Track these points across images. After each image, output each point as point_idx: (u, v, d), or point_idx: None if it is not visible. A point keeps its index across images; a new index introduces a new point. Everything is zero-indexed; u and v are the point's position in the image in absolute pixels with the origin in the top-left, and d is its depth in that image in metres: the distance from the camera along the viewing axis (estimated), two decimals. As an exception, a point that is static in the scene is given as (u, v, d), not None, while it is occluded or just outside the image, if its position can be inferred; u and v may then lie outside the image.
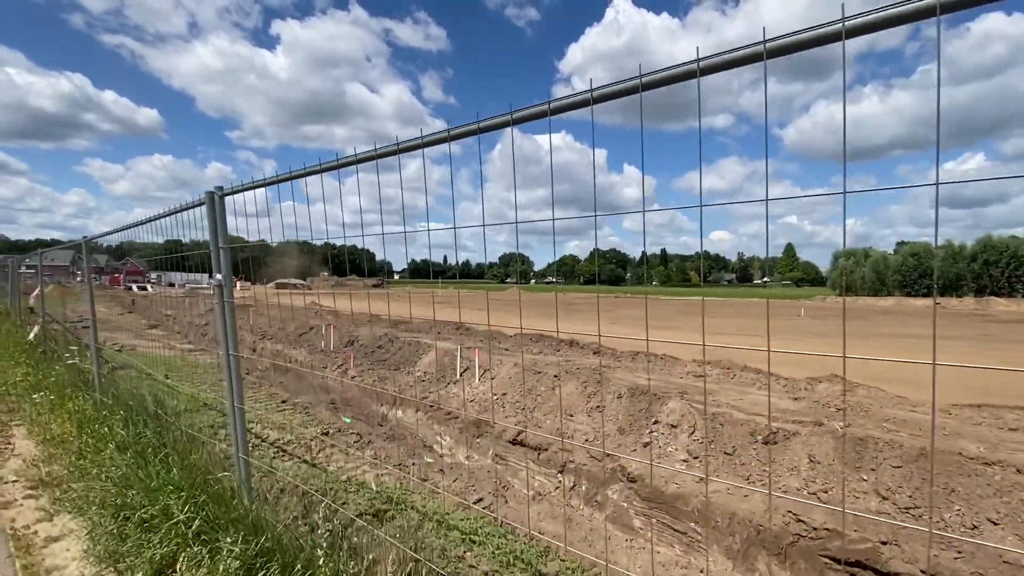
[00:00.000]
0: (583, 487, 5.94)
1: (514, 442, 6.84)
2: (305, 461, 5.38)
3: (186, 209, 3.76)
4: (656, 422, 6.12)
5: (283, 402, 8.65)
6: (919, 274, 58.69)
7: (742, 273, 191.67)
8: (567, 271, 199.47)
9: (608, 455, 5.85)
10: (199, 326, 21.81)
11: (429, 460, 7.14)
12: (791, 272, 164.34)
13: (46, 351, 8.53)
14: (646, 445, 5.88)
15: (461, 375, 9.26)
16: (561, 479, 6.17)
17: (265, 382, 10.51)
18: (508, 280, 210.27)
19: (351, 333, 14.44)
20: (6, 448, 5.62)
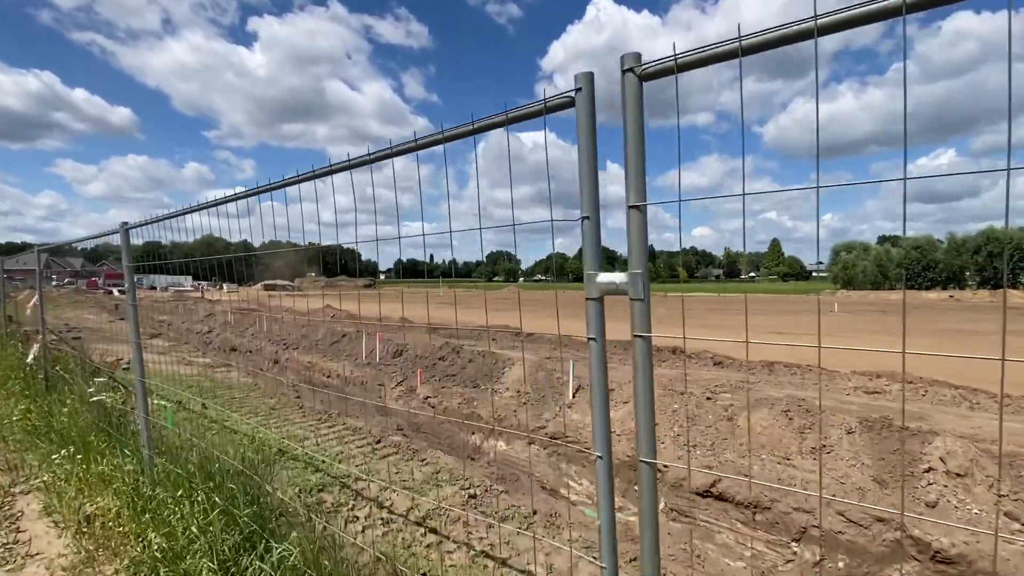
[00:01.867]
0: (840, 564, 4.27)
1: (706, 494, 5.14)
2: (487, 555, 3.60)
3: (106, 235, 4.46)
4: (929, 469, 4.48)
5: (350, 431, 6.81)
6: (922, 267, 58.53)
7: (729, 268, 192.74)
8: (556, 268, 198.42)
9: (881, 519, 4.19)
10: (200, 333, 19.71)
11: (590, 513, 5.41)
12: (777, 267, 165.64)
13: (50, 378, 6.55)
14: (932, 506, 4.24)
15: (575, 395, 7.52)
16: (797, 550, 4.50)
17: (301, 401, 8.63)
18: (496, 279, 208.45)
19: (392, 341, 12.58)
20: (14, 543, 3.72)
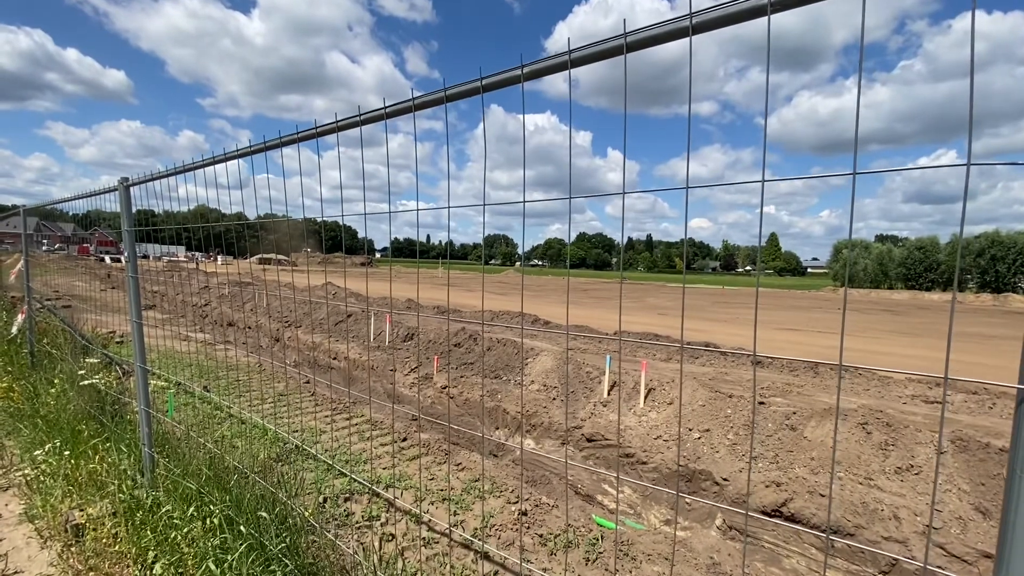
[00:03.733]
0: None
1: (775, 513, 4.61)
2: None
3: (101, 193, 3.99)
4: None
5: (371, 424, 6.22)
6: (924, 267, 58.31)
7: (726, 261, 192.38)
8: (553, 254, 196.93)
9: (990, 555, 3.65)
10: (197, 306, 19.02)
11: (639, 525, 4.87)
12: (774, 261, 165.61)
13: (35, 354, 5.88)
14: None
15: (610, 392, 6.96)
16: (886, 584, 3.97)
17: (311, 387, 8.03)
18: (492, 262, 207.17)
19: (401, 323, 11.97)
20: (-10, 556, 3.11)
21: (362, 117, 1.98)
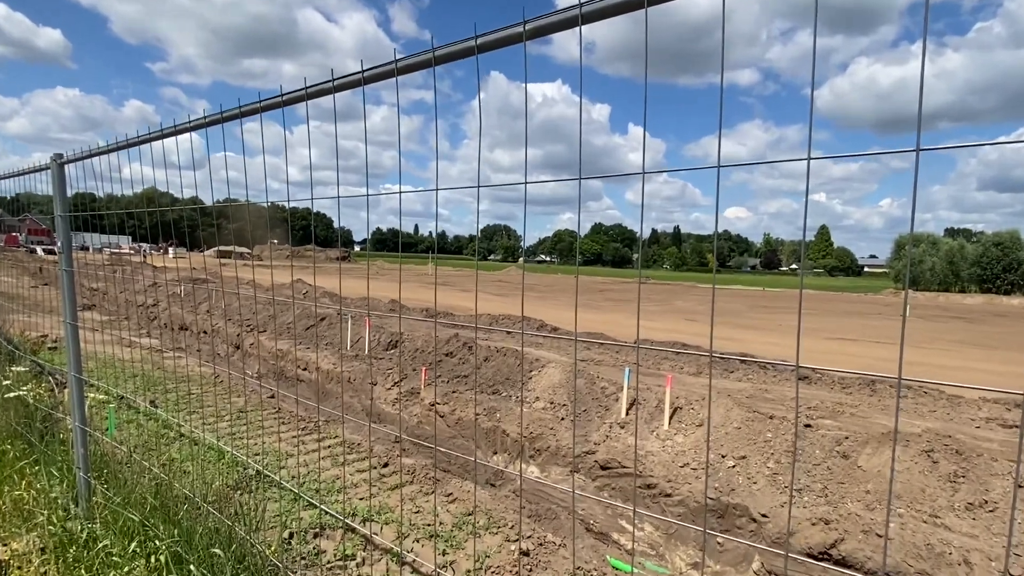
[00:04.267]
0: (1018, 665, 3.73)
1: (823, 556, 4.60)
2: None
3: (30, 172, 4.00)
4: None
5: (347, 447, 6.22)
6: (1003, 267, 58.14)
7: (767, 258, 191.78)
8: (564, 249, 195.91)
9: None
10: (144, 307, 19.12)
11: (661, 569, 4.88)
12: (824, 259, 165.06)
13: (-47, 361, 5.91)
14: None
15: (628, 411, 6.96)
16: (954, 641, 3.96)
17: (276, 402, 8.05)
18: (491, 257, 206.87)
19: (383, 328, 12.00)
20: None
21: (336, 83, 1.98)
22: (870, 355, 15.73)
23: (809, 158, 1.15)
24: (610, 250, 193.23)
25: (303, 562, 3.56)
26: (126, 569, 2.73)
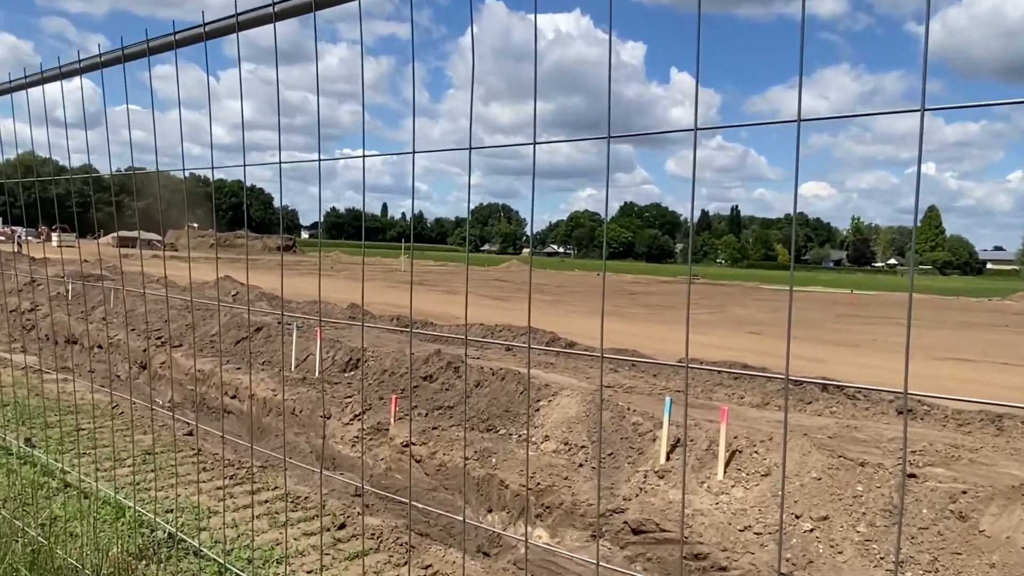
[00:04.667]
0: None
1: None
2: None
3: None
4: None
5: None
6: None
7: (857, 249, 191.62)
8: (583, 237, 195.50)
9: None
10: (18, 312, 19.24)
11: None
12: (932, 252, 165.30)
13: None
14: None
15: (670, 455, 7.00)
16: None
17: (196, 441, 8.11)
18: (486, 248, 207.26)
19: (340, 343, 12.06)
20: None
21: (277, 8, 1.97)
22: (993, 381, 15.76)
23: (923, 108, 1.12)
24: (645, 238, 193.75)
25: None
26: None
